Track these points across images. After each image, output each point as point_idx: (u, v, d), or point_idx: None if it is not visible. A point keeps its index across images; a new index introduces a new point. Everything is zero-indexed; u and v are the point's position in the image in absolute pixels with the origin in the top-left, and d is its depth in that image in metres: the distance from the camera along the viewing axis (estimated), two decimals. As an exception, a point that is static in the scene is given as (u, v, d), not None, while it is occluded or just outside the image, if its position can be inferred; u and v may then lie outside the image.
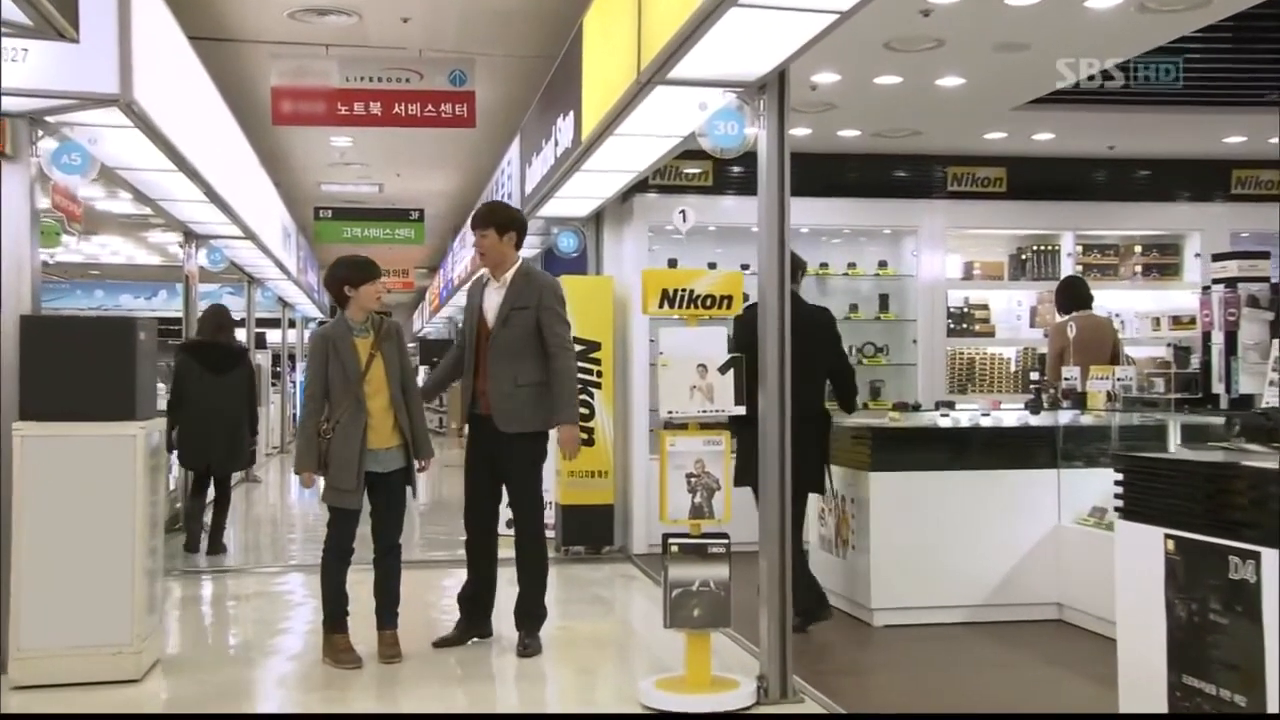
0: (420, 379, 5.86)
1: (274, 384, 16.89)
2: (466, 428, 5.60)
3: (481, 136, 10.12)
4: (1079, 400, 6.18)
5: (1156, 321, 5.79)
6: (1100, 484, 5.87)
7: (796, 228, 4.80)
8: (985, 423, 6.48)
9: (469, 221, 6.03)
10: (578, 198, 7.99)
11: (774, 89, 4.66)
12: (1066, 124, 8.01)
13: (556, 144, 7.23)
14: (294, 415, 17.59)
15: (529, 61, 8.34)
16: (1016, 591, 6.00)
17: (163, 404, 9.91)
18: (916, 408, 7.07)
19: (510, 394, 5.30)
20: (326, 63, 8.00)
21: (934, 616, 5.94)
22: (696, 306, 4.75)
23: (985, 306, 9.37)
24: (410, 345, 7.74)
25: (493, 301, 5.42)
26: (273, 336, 19.63)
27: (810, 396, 5.44)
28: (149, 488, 5.05)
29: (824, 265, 9.03)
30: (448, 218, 16.27)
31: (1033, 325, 9.35)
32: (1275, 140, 8.29)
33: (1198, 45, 6.35)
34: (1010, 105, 7.35)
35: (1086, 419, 6.19)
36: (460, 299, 17.16)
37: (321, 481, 5.24)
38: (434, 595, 6.85)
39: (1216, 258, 5.27)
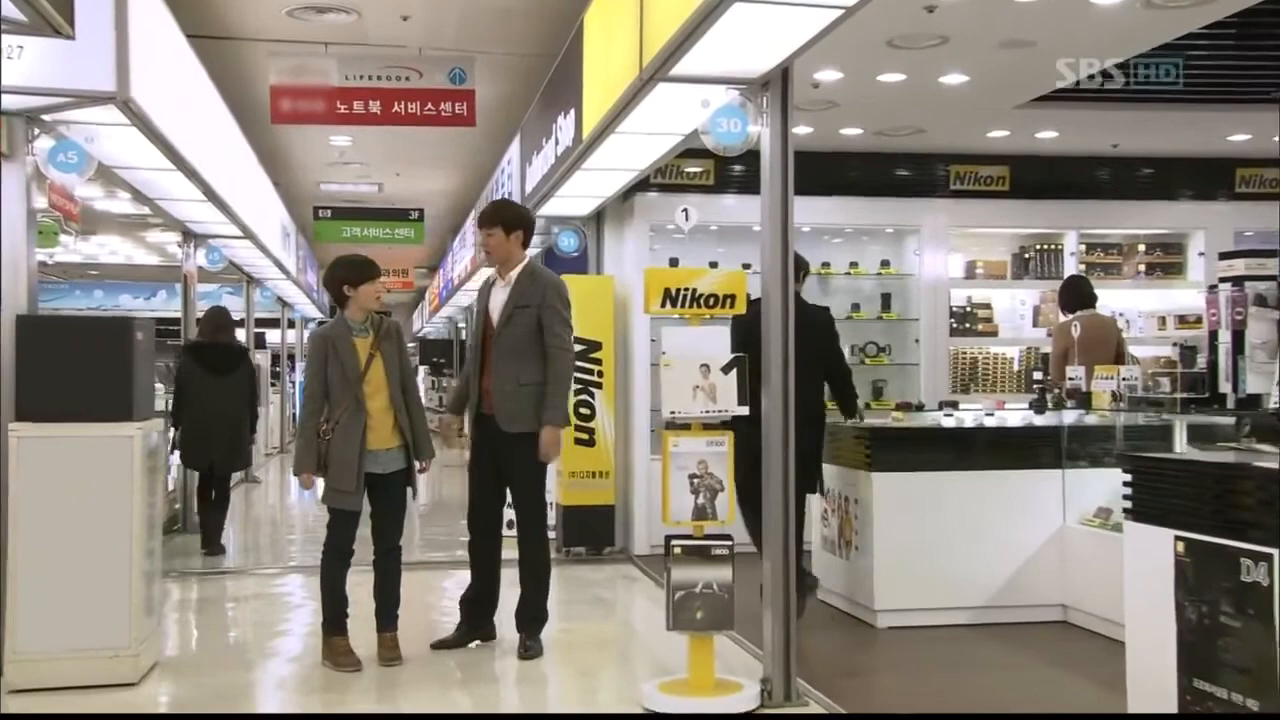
0: (420, 379, 5.83)
1: (273, 384, 16.86)
2: (466, 426, 5.56)
3: (481, 135, 10.07)
4: (1084, 400, 6.14)
5: (1162, 320, 5.74)
6: (1105, 484, 5.84)
7: (798, 227, 4.76)
8: (989, 423, 6.44)
9: (476, 219, 5.99)
10: (578, 197, 7.94)
11: (777, 86, 4.62)
12: (1070, 122, 7.97)
13: (557, 142, 7.19)
14: (293, 415, 17.55)
15: (529, 60, 8.30)
16: (1021, 593, 5.96)
17: (163, 405, 9.94)
18: (920, 408, 7.03)
19: (513, 393, 5.26)
20: (325, 61, 7.95)
21: (938, 618, 5.90)
22: (699, 306, 4.71)
23: (988, 306, 9.33)
24: (410, 345, 7.71)
25: (498, 300, 5.39)
26: (272, 336, 19.58)
27: (810, 397, 5.40)
28: (147, 489, 5.01)
29: (826, 264, 8.98)
30: (447, 217, 16.23)
31: (1035, 325, 9.31)
32: (1279, 139, 8.25)
33: (1202, 43, 6.32)
34: (1014, 103, 7.31)
35: (1091, 419, 6.15)
36: (460, 299, 17.23)
37: (321, 483, 5.20)
38: (434, 597, 6.81)
39: (1223, 256, 5.24)
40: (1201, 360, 5.47)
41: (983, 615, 5.92)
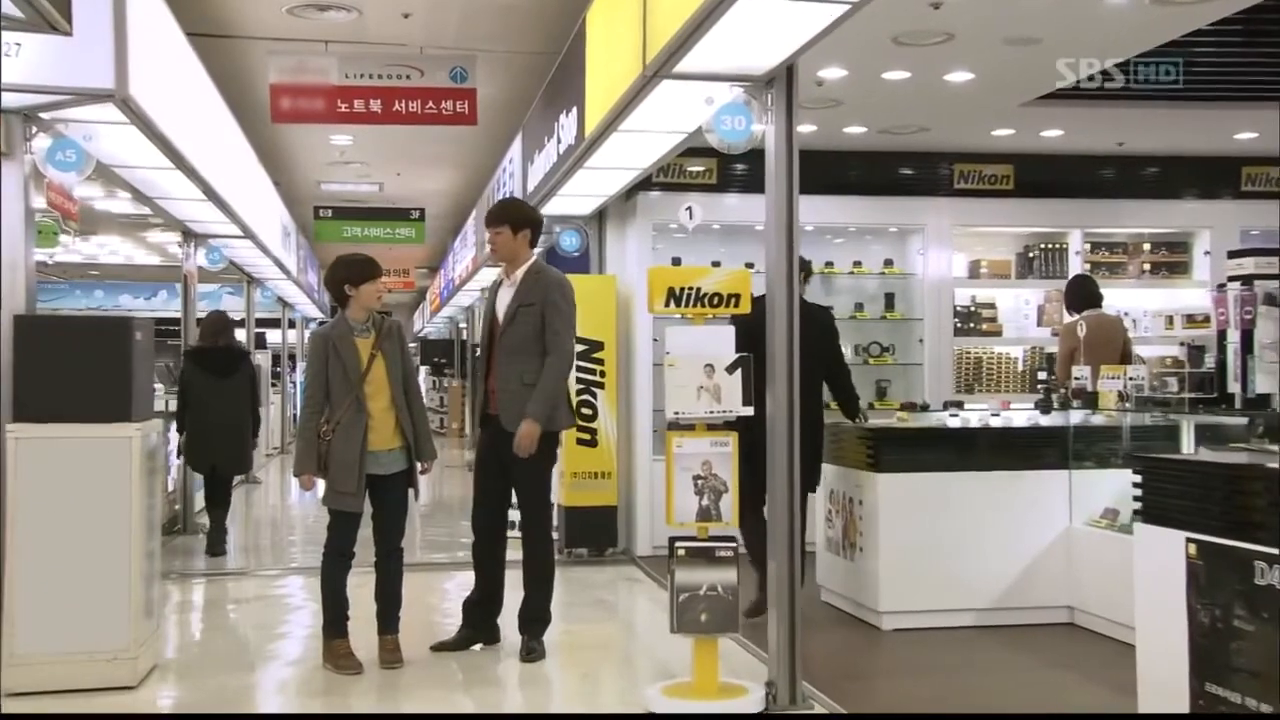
0: (421, 379, 5.80)
1: (274, 385, 16.83)
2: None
3: (483, 134, 10.02)
4: (1090, 400, 6.09)
5: (1169, 320, 5.69)
6: (1112, 485, 5.81)
7: (801, 226, 4.71)
8: (995, 423, 6.39)
9: (484, 218, 5.95)
10: (580, 196, 7.90)
11: (782, 83, 4.58)
12: (1075, 120, 7.92)
13: (559, 141, 7.15)
14: (294, 416, 17.52)
15: (531, 58, 8.26)
16: (1027, 594, 5.91)
17: (163, 406, 9.91)
18: (925, 408, 6.98)
19: (517, 392, 5.21)
20: (326, 59, 7.90)
21: (943, 620, 5.85)
22: (703, 305, 4.66)
23: (992, 305, 9.28)
24: (411, 345, 7.70)
25: (504, 299, 5.36)
26: (272, 337, 19.54)
27: (811, 398, 5.36)
28: (146, 490, 4.97)
29: (829, 264, 8.94)
30: (448, 217, 16.19)
31: (1040, 324, 9.26)
32: (1285, 137, 8.20)
33: (1209, 40, 6.27)
34: (1019, 101, 7.26)
35: (1098, 419, 6.10)
36: (461, 299, 17.19)
37: (321, 484, 5.15)
38: (435, 598, 6.78)
39: (1232, 255, 5.17)
40: (1209, 360, 5.41)
41: (988, 617, 5.87)
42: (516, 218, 5.41)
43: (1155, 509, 3.75)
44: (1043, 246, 9.21)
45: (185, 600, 7.04)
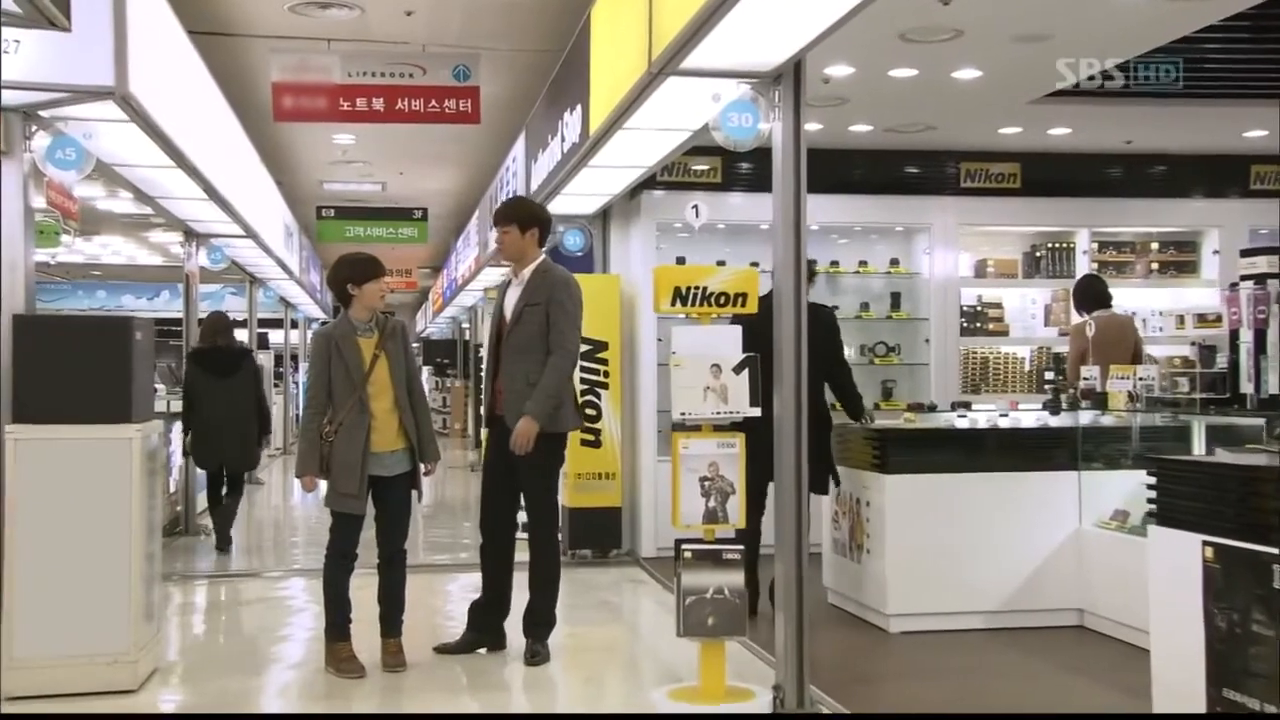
0: (424, 379, 5.75)
1: (276, 385, 16.79)
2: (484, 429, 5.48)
3: (486, 133, 9.98)
4: (1099, 400, 6.03)
5: (1180, 319, 5.63)
6: (1122, 486, 5.76)
7: (807, 225, 4.65)
8: (1003, 424, 6.33)
9: (492, 217, 5.91)
10: (584, 195, 7.85)
11: (789, 80, 4.52)
12: (1083, 119, 7.86)
13: (563, 139, 7.09)
14: (296, 416, 17.48)
15: (535, 56, 8.21)
16: (1036, 597, 5.86)
17: (164, 407, 9.87)
18: (932, 408, 6.93)
19: (523, 392, 5.16)
20: (328, 57, 7.86)
21: (951, 623, 5.79)
22: (710, 304, 4.60)
23: (999, 305, 9.22)
24: (413, 345, 7.68)
25: (511, 299, 5.31)
26: (275, 337, 19.51)
27: (815, 398, 5.31)
28: (146, 492, 4.92)
29: (834, 263, 8.89)
30: (451, 217, 16.15)
31: (1047, 324, 9.20)
32: (1294, 135, 8.14)
33: (1218, 37, 6.22)
34: (1027, 99, 7.20)
35: (1108, 419, 6.05)
36: (464, 299, 17.14)
37: (324, 485, 5.10)
38: (439, 600, 6.73)
39: (1245, 253, 5.12)
40: (1222, 360, 5.35)
41: (997, 620, 5.82)
42: (524, 216, 5.36)
43: (1170, 511, 3.70)
44: (1050, 246, 9.15)
45: (187, 602, 6.99)
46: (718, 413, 4.48)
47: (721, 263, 7.90)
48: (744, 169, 8.33)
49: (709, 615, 4.41)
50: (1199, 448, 5.31)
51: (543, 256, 5.41)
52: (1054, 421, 6.24)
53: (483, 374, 5.67)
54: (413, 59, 7.88)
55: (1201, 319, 5.47)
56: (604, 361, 7.88)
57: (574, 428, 5.55)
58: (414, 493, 5.25)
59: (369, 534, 5.18)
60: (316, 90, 7.89)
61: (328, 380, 5.07)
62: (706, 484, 4.48)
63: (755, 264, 6.92)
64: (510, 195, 9.40)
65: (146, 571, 4.92)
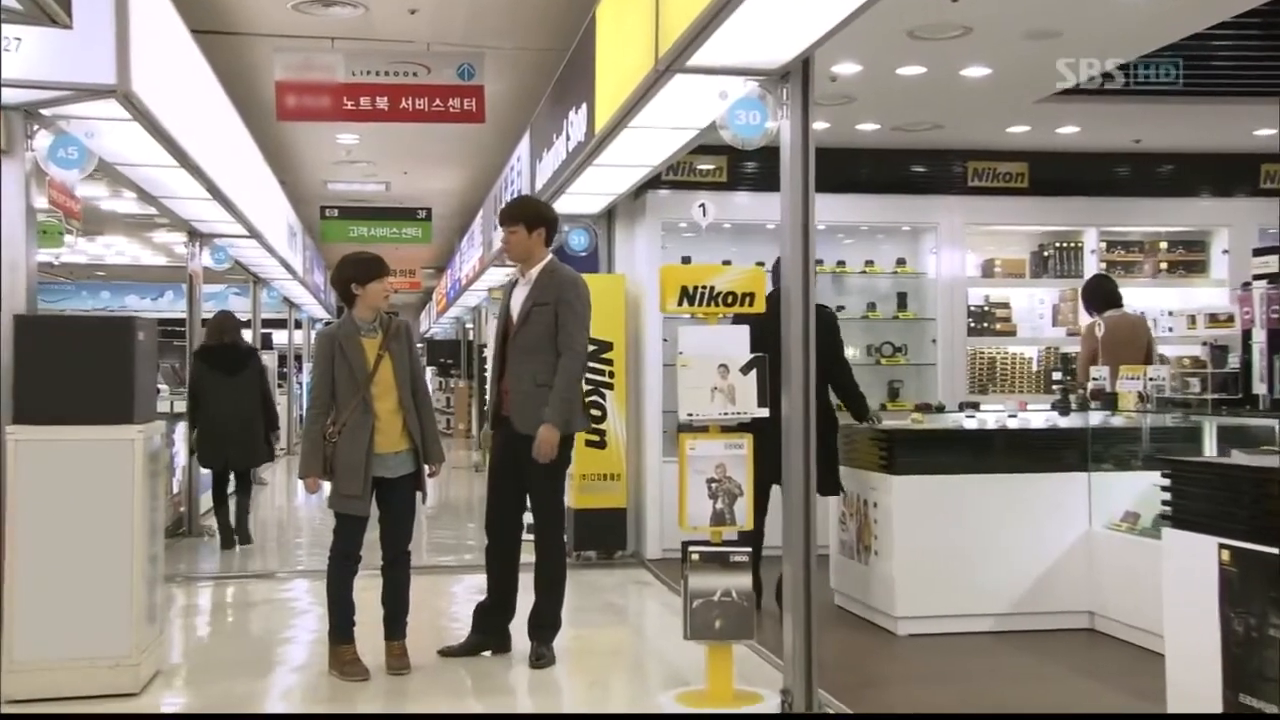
0: (429, 380, 5.71)
1: (280, 386, 16.76)
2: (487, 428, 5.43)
3: (490, 132, 9.95)
4: (1109, 401, 5.97)
5: (1192, 319, 5.57)
6: (1133, 487, 5.70)
7: (812, 224, 4.60)
8: (1012, 424, 6.28)
9: (498, 216, 5.87)
10: (589, 194, 7.80)
11: (798, 77, 4.47)
12: (1091, 117, 7.80)
13: (568, 138, 7.04)
14: (300, 417, 17.46)
15: (539, 54, 8.17)
16: (1046, 599, 5.80)
17: (168, 407, 9.85)
18: (940, 409, 6.87)
19: (530, 393, 5.12)
20: (332, 56, 7.83)
21: (960, 625, 5.73)
22: (717, 304, 4.55)
23: (1006, 305, 9.16)
24: (417, 346, 7.68)
25: (518, 299, 5.27)
26: (279, 337, 19.49)
27: (821, 398, 5.27)
28: (149, 493, 4.88)
29: (841, 263, 8.84)
30: (455, 216, 16.12)
31: (1055, 324, 9.14)
32: (1305, 133, 8.07)
33: (1227, 35, 6.16)
34: (1036, 97, 7.13)
35: (1118, 420, 5.99)
36: (468, 299, 17.10)
37: (327, 487, 5.06)
38: (443, 602, 6.69)
39: (1258, 253, 5.08)
40: (1234, 360, 5.29)
41: (1006, 623, 5.76)
42: (531, 216, 5.32)
43: (1185, 514, 3.64)
44: (1057, 245, 9.09)
45: (190, 604, 6.96)
46: (725, 413, 4.43)
47: (727, 262, 7.83)
48: (749, 168, 8.28)
49: (716, 618, 4.37)
50: (1210, 449, 5.26)
51: (549, 256, 5.37)
52: (1063, 422, 6.19)
53: (487, 374, 5.60)
54: (417, 58, 7.84)
55: (1213, 319, 5.42)
56: (609, 362, 7.83)
57: (582, 429, 5.51)
58: (418, 494, 5.20)
59: (373, 536, 5.13)
60: (320, 89, 7.86)
61: (331, 381, 5.03)
62: (714, 485, 4.44)
63: (761, 263, 6.87)
64: (515, 195, 9.36)
65: (149, 573, 4.88)
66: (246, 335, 10.11)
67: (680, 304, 4.54)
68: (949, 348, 8.73)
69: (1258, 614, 3.27)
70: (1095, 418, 6.08)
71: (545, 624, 5.24)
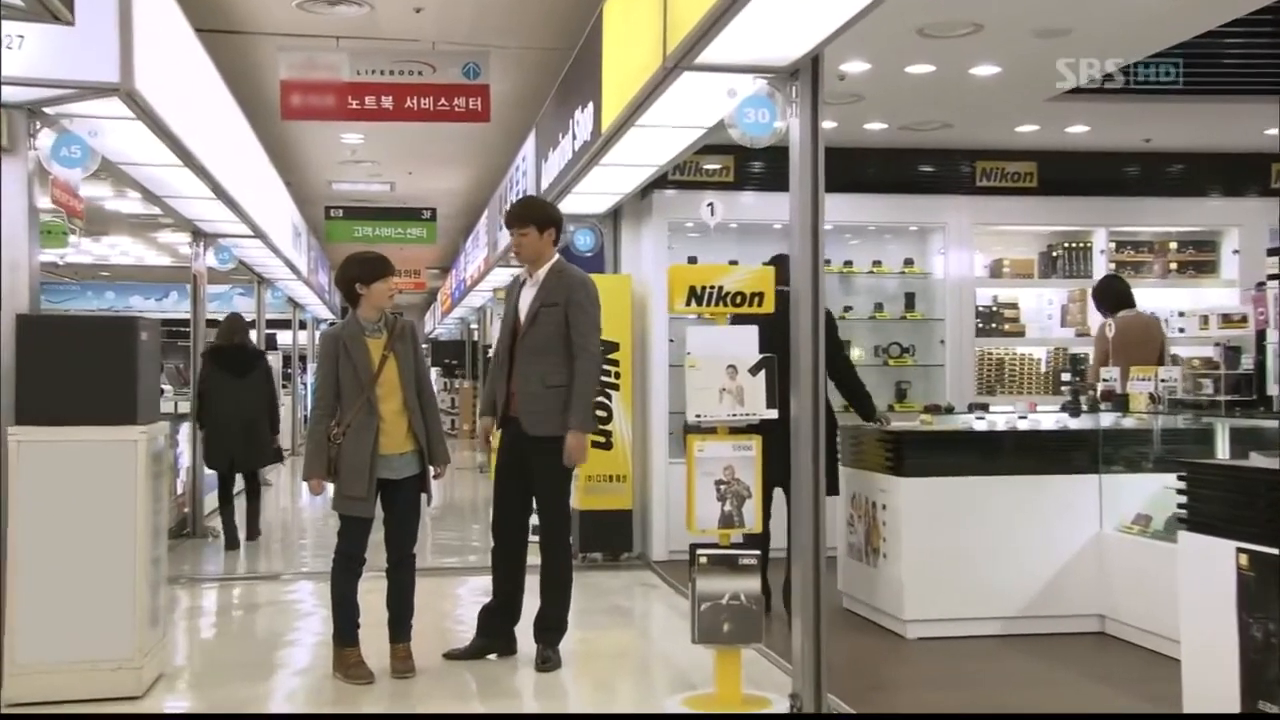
0: (433, 380, 5.67)
1: (284, 386, 16.73)
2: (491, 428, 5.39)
3: (495, 132, 9.91)
4: (1120, 402, 5.92)
5: (1204, 320, 5.51)
6: (1144, 489, 5.65)
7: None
8: (1022, 426, 6.22)
9: (503, 218, 5.83)
10: (595, 194, 7.76)
11: (807, 75, 4.42)
12: (1101, 116, 7.75)
13: (574, 137, 7.00)
14: (304, 418, 17.42)
15: (545, 53, 8.13)
16: (1057, 602, 5.74)
17: (172, 408, 9.82)
18: (949, 410, 6.82)
19: (538, 395, 5.08)
20: (337, 55, 7.79)
21: (970, 628, 5.68)
22: (725, 304, 4.51)
23: (1015, 305, 9.11)
24: (422, 346, 7.67)
25: (526, 299, 5.24)
26: (283, 338, 19.46)
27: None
28: (152, 494, 4.84)
29: (848, 263, 8.79)
30: (460, 217, 16.08)
31: (1064, 325, 9.08)
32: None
33: (1240, 32, 6.11)
34: (1045, 96, 7.08)
35: (1129, 422, 5.94)
36: (473, 299, 17.06)
37: (331, 488, 5.02)
38: (448, 604, 6.65)
39: (1271, 252, 5.03)
40: (1247, 361, 5.24)
41: (1016, 626, 5.71)
42: (540, 217, 5.29)
43: (1202, 517, 3.59)
44: (1066, 245, 9.03)
45: (194, 606, 6.92)
46: (734, 415, 4.39)
47: (734, 262, 7.80)
48: (756, 168, 8.24)
49: (725, 621, 4.33)
50: (1223, 451, 5.20)
51: (557, 256, 5.34)
52: (1074, 424, 6.13)
53: (491, 374, 5.56)
54: (422, 57, 7.80)
55: (1226, 319, 5.35)
56: (615, 362, 7.79)
57: (590, 430, 5.47)
58: (423, 496, 5.16)
59: (377, 537, 5.09)
60: (325, 88, 7.83)
61: (335, 381, 4.99)
62: (722, 487, 4.40)
63: (768, 263, 6.82)
64: (520, 195, 9.32)
65: (152, 576, 4.84)
66: (251, 336, 10.10)
67: (689, 304, 4.51)
68: (957, 348, 8.68)
69: (1276, 618, 3.22)
70: (1106, 419, 6.02)
71: (551, 627, 5.20)
